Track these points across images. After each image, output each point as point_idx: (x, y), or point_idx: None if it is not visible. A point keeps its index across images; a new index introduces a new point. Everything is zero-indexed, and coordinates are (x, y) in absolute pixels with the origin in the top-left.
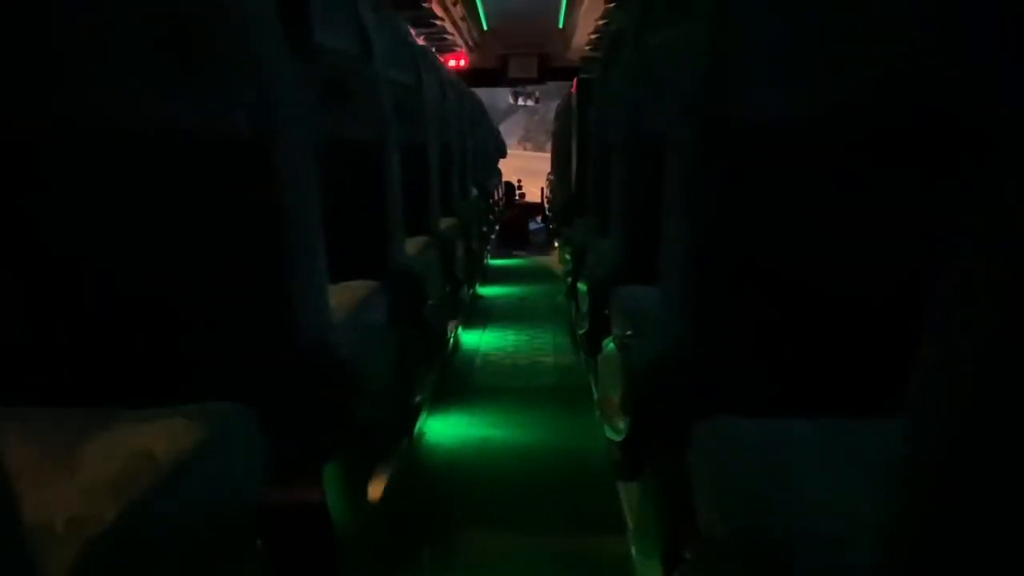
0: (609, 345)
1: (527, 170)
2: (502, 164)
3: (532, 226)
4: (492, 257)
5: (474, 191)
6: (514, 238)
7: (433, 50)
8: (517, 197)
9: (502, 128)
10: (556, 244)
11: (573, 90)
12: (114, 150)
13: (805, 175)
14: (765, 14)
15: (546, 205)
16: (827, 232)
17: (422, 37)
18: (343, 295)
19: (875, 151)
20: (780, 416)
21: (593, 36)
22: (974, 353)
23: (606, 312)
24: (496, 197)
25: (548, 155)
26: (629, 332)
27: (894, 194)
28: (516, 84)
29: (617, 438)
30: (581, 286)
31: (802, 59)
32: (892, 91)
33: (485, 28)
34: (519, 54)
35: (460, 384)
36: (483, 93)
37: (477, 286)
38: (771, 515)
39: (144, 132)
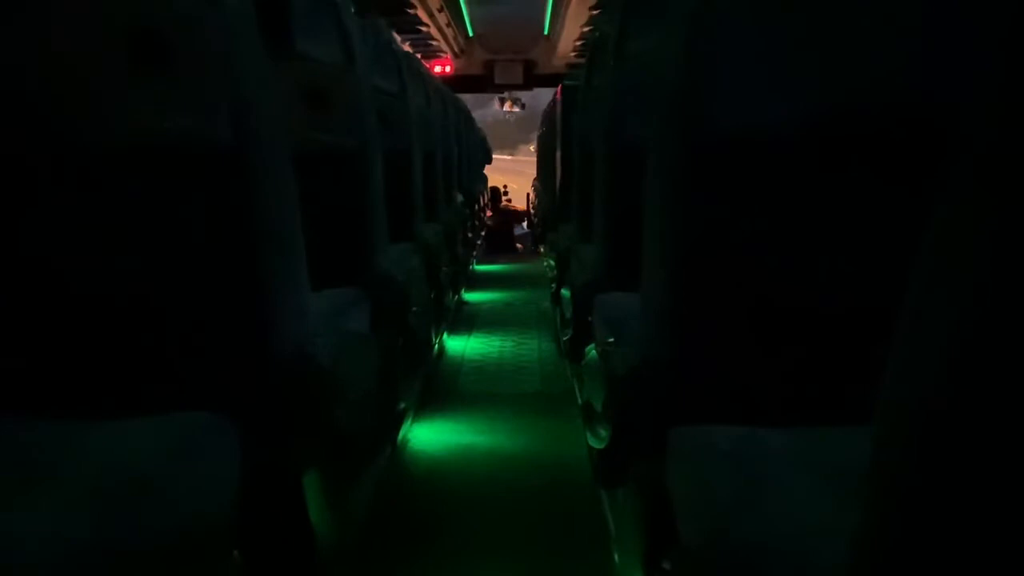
0: (592, 352)
1: None
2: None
3: (517, 231)
4: (478, 263)
5: (460, 197)
6: (500, 243)
7: (418, 56)
8: (503, 203)
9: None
10: (541, 250)
11: (558, 96)
12: (91, 160)
13: (786, 183)
14: (744, 20)
15: (531, 211)
16: (808, 241)
17: (407, 43)
18: (325, 303)
19: (858, 159)
20: (759, 425)
21: (578, 43)
22: (939, 359)
23: (589, 319)
24: (482, 203)
25: None
26: (611, 339)
27: (876, 203)
28: (502, 90)
29: (599, 445)
30: (565, 292)
31: (784, 65)
32: (876, 97)
33: (471, 34)
34: (505, 60)
35: (445, 391)
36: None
37: (463, 292)
38: (747, 523)
39: (121, 142)
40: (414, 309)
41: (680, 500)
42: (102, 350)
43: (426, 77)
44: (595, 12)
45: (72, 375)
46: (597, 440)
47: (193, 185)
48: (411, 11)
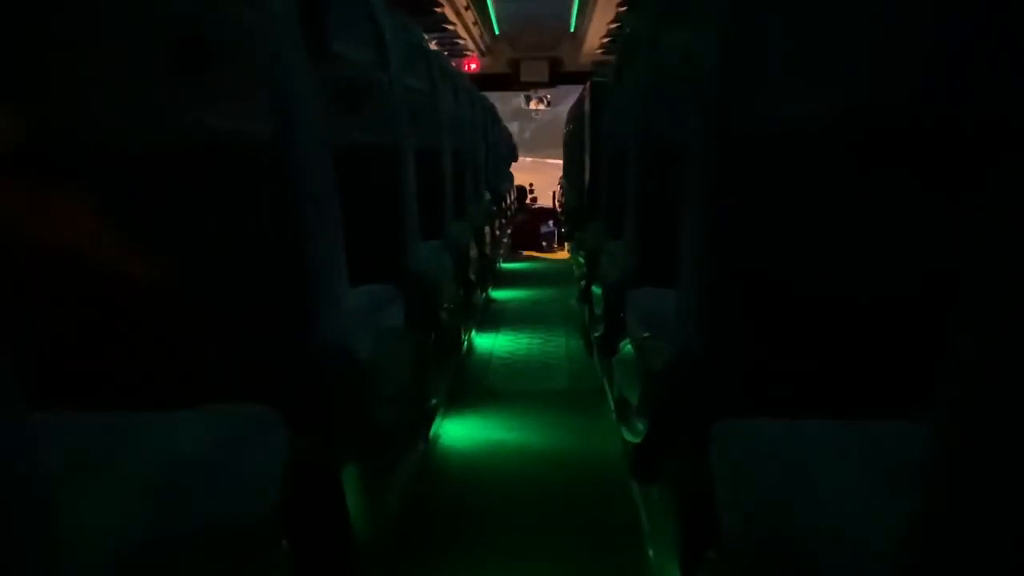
0: (626, 347)
1: None
2: None
3: (543, 229)
4: (504, 260)
5: (487, 195)
6: (526, 241)
7: (446, 55)
8: (528, 201)
9: None
10: (568, 248)
11: (586, 94)
12: (136, 157)
13: (822, 179)
14: (781, 14)
15: (558, 208)
16: (844, 235)
17: (434, 42)
18: (360, 299)
19: (893, 156)
20: (798, 418)
21: (604, 39)
22: (1004, 355)
23: (622, 315)
24: (508, 201)
25: None
26: (647, 334)
27: (912, 198)
28: (527, 88)
29: (636, 439)
30: (596, 289)
31: (818, 63)
32: (911, 95)
33: (497, 33)
34: (531, 58)
35: (474, 387)
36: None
37: (490, 289)
38: (791, 517)
39: (165, 139)
40: (445, 306)
41: (723, 493)
42: (149, 344)
43: (454, 76)
44: (622, 8)
45: (124, 368)
46: (633, 434)
47: (236, 183)
48: (438, 10)
